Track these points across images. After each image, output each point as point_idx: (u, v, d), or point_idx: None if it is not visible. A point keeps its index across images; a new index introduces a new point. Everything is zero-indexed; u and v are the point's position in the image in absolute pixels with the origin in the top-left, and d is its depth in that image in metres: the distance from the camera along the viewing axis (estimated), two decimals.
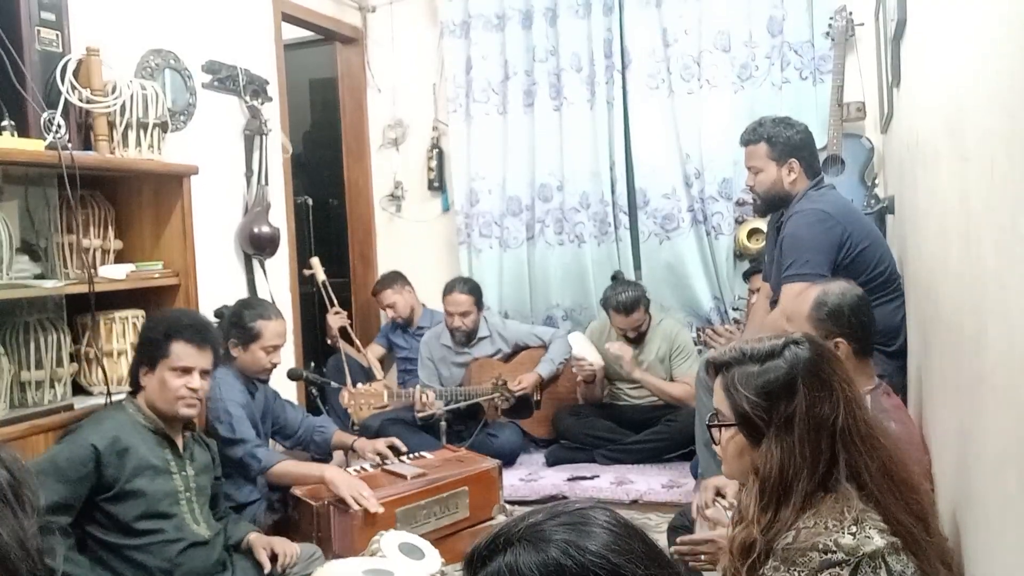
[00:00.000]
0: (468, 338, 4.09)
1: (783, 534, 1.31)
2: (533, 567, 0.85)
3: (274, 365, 3.01)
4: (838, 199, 2.79)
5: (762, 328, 2.64)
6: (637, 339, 3.89)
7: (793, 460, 1.35)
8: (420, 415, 3.67)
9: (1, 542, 0.88)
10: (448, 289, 4.09)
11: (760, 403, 1.39)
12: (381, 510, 2.68)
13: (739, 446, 1.43)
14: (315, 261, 4.15)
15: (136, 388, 2.39)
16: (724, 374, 1.45)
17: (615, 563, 0.85)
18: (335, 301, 4.25)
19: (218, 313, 3.07)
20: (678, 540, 1.81)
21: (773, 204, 2.85)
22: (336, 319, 4.28)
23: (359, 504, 2.65)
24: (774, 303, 2.82)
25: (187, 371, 2.34)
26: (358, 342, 4.34)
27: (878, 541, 1.24)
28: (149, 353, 2.36)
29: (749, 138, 2.85)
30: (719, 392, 1.46)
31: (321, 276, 4.14)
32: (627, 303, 3.78)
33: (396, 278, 4.44)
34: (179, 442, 2.40)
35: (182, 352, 2.34)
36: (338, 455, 3.58)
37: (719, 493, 2.22)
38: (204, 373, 2.39)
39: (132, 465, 2.24)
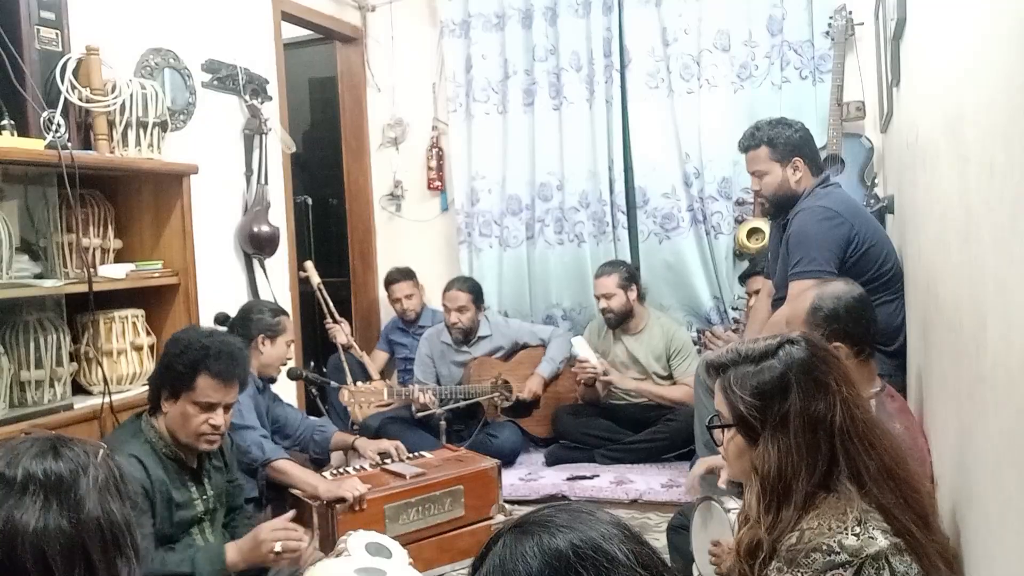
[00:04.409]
0: (465, 336, 4.07)
1: (787, 535, 1.31)
2: (534, 549, 0.86)
3: (289, 359, 3.11)
4: (845, 197, 2.77)
5: (767, 327, 2.62)
6: (615, 323, 3.90)
7: (791, 459, 1.35)
8: (420, 414, 3.67)
9: (115, 519, 1.04)
10: (447, 286, 4.11)
11: (755, 403, 1.39)
12: (357, 494, 2.71)
13: (739, 447, 1.44)
14: (309, 265, 4.13)
15: (155, 409, 2.23)
16: (722, 376, 1.46)
17: (593, 537, 0.87)
18: (334, 312, 4.20)
19: (219, 319, 3.08)
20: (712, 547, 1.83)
21: (782, 206, 2.80)
22: (339, 333, 4.23)
23: (348, 496, 2.69)
24: (778, 300, 2.80)
25: (211, 407, 2.18)
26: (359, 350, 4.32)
27: (881, 542, 1.24)
28: (172, 382, 2.18)
29: (748, 143, 2.81)
30: (718, 394, 1.47)
31: (316, 280, 4.11)
32: (600, 267, 3.94)
33: (412, 274, 4.43)
34: (196, 466, 2.29)
35: (207, 387, 2.17)
36: (338, 455, 3.58)
37: (711, 471, 2.28)
38: (228, 407, 2.24)
39: (164, 505, 2.16)
